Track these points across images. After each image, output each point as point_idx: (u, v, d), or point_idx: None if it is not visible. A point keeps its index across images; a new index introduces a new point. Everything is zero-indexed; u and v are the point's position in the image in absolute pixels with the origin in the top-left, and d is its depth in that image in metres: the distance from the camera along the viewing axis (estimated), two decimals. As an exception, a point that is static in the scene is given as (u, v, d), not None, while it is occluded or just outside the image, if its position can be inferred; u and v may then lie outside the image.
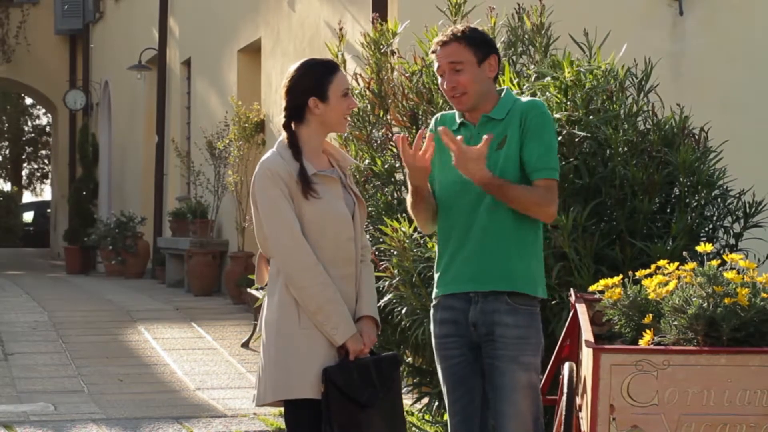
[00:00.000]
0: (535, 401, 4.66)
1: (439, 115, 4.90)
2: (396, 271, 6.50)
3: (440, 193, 4.76)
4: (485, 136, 4.51)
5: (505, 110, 4.69)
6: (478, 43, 4.70)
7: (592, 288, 4.93)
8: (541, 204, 4.61)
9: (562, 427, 4.75)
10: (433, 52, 4.80)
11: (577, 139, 6.34)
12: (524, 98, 4.79)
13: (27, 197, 41.71)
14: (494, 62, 4.72)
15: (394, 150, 7.21)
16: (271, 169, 4.66)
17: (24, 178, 41.10)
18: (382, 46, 7.38)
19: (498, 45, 7.10)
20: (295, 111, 4.71)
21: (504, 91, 4.78)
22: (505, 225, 4.63)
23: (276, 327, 4.66)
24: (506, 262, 4.63)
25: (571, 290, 5.12)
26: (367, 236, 5.56)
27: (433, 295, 4.82)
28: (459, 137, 4.60)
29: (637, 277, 4.82)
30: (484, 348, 4.67)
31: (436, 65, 4.76)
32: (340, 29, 7.67)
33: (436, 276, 4.81)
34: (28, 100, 36.65)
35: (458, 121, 4.79)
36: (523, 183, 4.62)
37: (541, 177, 4.61)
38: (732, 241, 6.51)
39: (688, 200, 6.32)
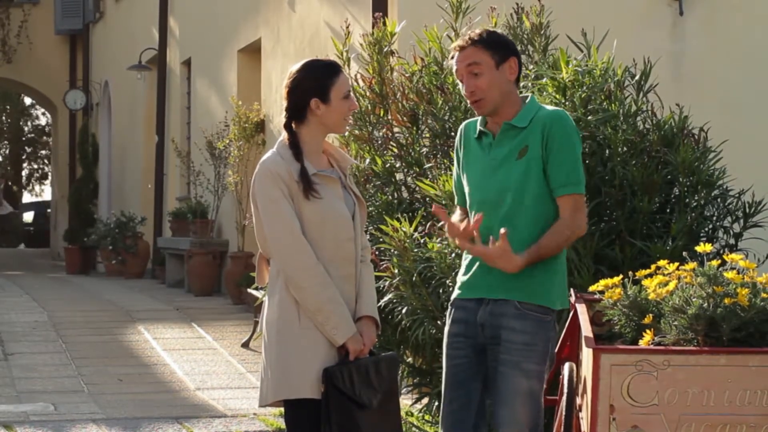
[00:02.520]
0: (534, 409, 4.63)
1: (463, 124, 4.84)
2: (396, 271, 6.50)
3: (468, 197, 4.76)
4: (502, 230, 4.44)
5: (527, 118, 4.62)
6: (495, 45, 4.63)
7: (592, 288, 4.92)
8: (572, 232, 4.58)
9: (562, 427, 4.75)
10: (451, 58, 4.74)
11: (576, 139, 6.33)
12: (548, 107, 4.72)
13: (27, 197, 41.74)
14: (514, 65, 4.65)
15: (395, 150, 7.21)
16: (271, 169, 4.67)
17: (24, 178, 41.10)
18: (384, 46, 7.38)
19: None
20: (297, 111, 4.72)
21: (529, 98, 4.71)
22: (521, 236, 4.57)
23: (276, 327, 4.66)
24: (518, 273, 4.56)
25: (571, 290, 5.12)
26: (367, 236, 5.57)
27: (452, 295, 4.83)
28: (476, 218, 4.53)
29: (637, 277, 4.82)
30: (489, 351, 4.67)
31: (454, 69, 4.70)
32: (347, 27, 7.64)
33: (459, 275, 4.80)
34: (28, 100, 36.66)
35: (479, 128, 4.74)
36: (544, 193, 4.57)
37: (564, 193, 4.56)
38: (732, 241, 6.51)
39: (687, 200, 6.32)
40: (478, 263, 4.68)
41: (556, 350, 5.13)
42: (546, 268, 4.60)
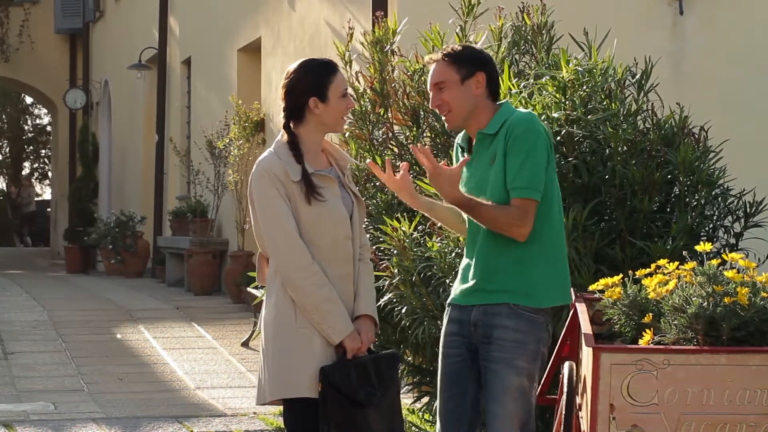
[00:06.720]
0: (525, 406, 4.69)
1: (458, 138, 4.97)
2: (396, 271, 6.50)
3: None
4: (462, 158, 4.56)
5: (498, 124, 4.72)
6: (462, 60, 4.75)
7: (592, 287, 4.92)
8: (511, 224, 4.62)
9: (562, 426, 4.75)
10: (428, 72, 4.90)
11: (576, 138, 6.34)
12: (521, 110, 4.82)
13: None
14: (481, 79, 4.74)
15: (395, 149, 7.21)
16: (267, 169, 4.67)
17: (24, 177, 41.05)
18: (385, 45, 7.37)
19: (504, 45, 7.10)
20: (295, 111, 4.71)
21: (503, 104, 4.81)
22: (499, 239, 4.67)
23: (273, 326, 4.67)
24: (505, 276, 4.68)
25: (571, 290, 5.13)
26: (367, 236, 5.56)
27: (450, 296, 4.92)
28: (462, 159, 4.72)
29: (637, 277, 4.82)
30: (481, 351, 4.73)
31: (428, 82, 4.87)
32: (350, 29, 7.64)
33: (455, 283, 4.89)
34: (29, 99, 36.64)
35: (464, 144, 4.88)
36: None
37: (515, 196, 4.63)
38: (732, 240, 6.51)
39: (688, 199, 6.32)
40: (470, 268, 4.77)
41: (556, 350, 5.14)
42: (531, 271, 4.67)
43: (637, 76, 6.61)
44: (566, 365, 4.89)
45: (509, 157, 4.63)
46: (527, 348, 4.67)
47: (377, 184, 7.18)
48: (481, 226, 4.69)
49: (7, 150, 39.54)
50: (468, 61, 4.75)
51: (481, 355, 4.72)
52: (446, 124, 4.83)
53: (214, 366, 10.70)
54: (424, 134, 7.15)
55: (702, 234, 6.38)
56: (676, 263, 4.78)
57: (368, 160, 4.98)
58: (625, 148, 6.34)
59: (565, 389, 4.81)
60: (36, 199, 36.66)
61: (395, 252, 6.45)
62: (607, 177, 6.31)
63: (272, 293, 4.69)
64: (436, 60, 4.77)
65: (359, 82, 7.44)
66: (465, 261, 4.85)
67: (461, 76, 4.72)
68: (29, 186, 33.86)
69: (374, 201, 7.07)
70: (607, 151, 6.38)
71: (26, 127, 39.57)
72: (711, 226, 6.48)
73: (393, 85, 7.30)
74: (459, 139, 4.96)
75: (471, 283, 4.75)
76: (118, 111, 23.27)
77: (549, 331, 4.78)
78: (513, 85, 6.52)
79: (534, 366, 4.70)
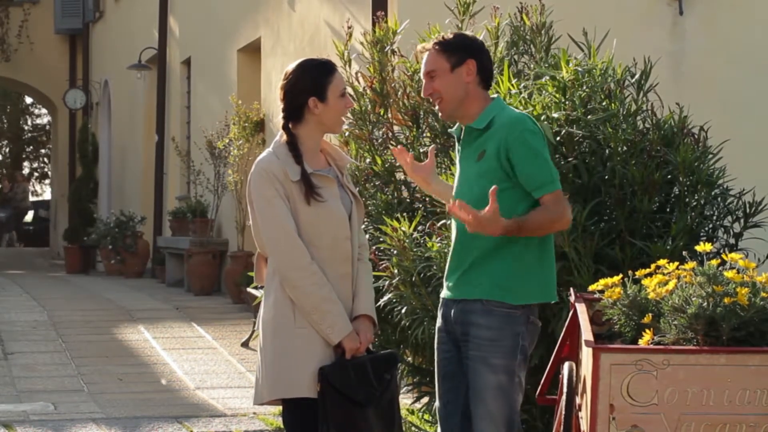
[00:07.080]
0: (507, 403, 4.73)
1: (454, 129, 5.00)
2: (396, 271, 6.50)
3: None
4: (492, 189, 4.53)
5: (486, 120, 4.74)
6: (452, 48, 4.77)
7: (591, 287, 4.93)
8: (557, 220, 4.70)
9: (562, 426, 4.75)
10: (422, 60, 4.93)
11: (576, 139, 6.33)
12: (513, 110, 4.84)
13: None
14: (472, 67, 4.76)
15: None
16: (266, 169, 4.67)
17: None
18: (386, 45, 7.38)
19: (502, 45, 7.10)
20: (294, 111, 4.72)
21: (493, 99, 4.82)
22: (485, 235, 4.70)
23: (272, 326, 4.67)
24: (480, 272, 4.73)
25: (571, 290, 5.13)
26: (367, 236, 5.57)
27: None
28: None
29: (636, 277, 4.82)
30: (462, 348, 4.79)
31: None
32: (349, 28, 7.64)
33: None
34: (29, 99, 36.64)
35: (456, 134, 4.94)
36: (502, 189, 4.63)
37: (543, 193, 4.66)
38: (732, 240, 6.51)
39: (687, 200, 6.32)
40: (450, 264, 4.84)
41: (555, 350, 5.14)
42: (510, 266, 4.71)
43: (637, 76, 6.61)
44: (566, 365, 4.89)
45: (519, 164, 4.65)
46: (502, 344, 4.71)
47: (377, 183, 7.18)
48: (460, 222, 4.68)
49: (7, 150, 39.53)
50: (459, 49, 4.77)
51: (462, 353, 4.79)
52: (439, 114, 4.87)
53: (214, 366, 10.70)
54: (424, 134, 7.15)
55: (702, 234, 6.38)
56: (676, 263, 4.78)
57: (393, 148, 5.05)
58: (624, 148, 6.34)
59: (564, 389, 4.81)
60: (35, 199, 36.66)
61: (395, 252, 6.45)
62: (606, 177, 6.31)
63: (271, 293, 4.69)
64: (428, 49, 4.80)
65: (359, 82, 7.44)
66: (450, 257, 4.90)
67: (451, 64, 4.75)
68: (23, 181, 33.82)
69: (374, 201, 7.07)
70: (607, 151, 6.37)
71: (26, 127, 39.56)
72: (711, 226, 6.48)
73: (393, 85, 7.31)
74: (453, 129, 4.98)
75: (452, 279, 4.83)
76: (118, 111, 23.26)
77: (534, 323, 4.80)
78: (513, 85, 6.51)
79: (512, 362, 4.73)
